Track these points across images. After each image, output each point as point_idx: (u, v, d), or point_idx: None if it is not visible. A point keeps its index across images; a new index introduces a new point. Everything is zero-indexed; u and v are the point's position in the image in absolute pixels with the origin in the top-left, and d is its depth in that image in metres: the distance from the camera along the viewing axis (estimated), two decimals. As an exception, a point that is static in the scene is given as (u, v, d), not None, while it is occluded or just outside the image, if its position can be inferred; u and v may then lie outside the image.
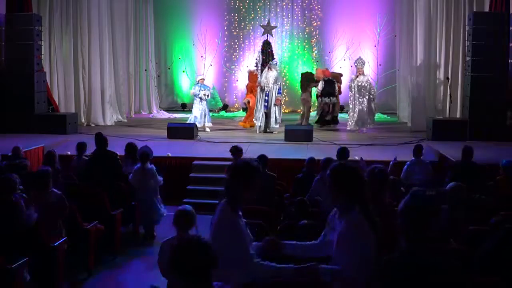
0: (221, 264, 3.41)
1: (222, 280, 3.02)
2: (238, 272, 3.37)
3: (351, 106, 13.58)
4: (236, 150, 8.14)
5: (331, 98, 14.10)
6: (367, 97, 13.38)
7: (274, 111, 13.44)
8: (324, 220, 3.73)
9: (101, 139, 8.41)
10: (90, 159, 8.48)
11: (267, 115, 13.33)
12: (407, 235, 2.74)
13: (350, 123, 13.62)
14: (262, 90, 13.29)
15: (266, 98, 13.27)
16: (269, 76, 13.35)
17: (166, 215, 7.86)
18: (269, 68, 13.55)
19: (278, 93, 13.45)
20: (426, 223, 2.72)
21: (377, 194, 4.29)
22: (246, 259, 3.38)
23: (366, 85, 13.42)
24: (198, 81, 13.76)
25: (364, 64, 13.75)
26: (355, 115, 13.44)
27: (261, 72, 13.94)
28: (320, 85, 14.06)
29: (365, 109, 13.41)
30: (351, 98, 13.55)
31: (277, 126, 13.43)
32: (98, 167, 8.07)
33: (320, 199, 6.71)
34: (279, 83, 13.57)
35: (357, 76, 13.53)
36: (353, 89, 13.46)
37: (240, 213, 3.55)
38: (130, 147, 8.90)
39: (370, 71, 17.53)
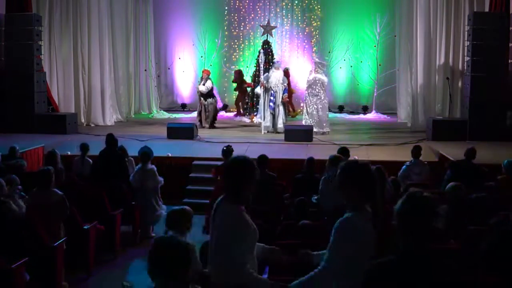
0: (215, 262, 3.42)
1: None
2: (227, 273, 3.35)
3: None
4: (228, 152, 8.15)
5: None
6: (316, 96, 12.90)
7: (282, 111, 13.42)
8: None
9: (111, 140, 8.50)
10: (99, 158, 8.52)
11: (274, 116, 13.31)
12: (404, 236, 2.69)
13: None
14: (267, 90, 13.27)
15: (273, 98, 13.24)
16: (277, 76, 13.33)
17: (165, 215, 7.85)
18: (276, 68, 13.56)
19: (284, 93, 13.44)
20: (424, 224, 2.67)
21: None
22: (239, 263, 3.35)
23: (317, 83, 12.87)
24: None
25: (319, 65, 13.15)
26: (307, 116, 13.06)
27: (263, 72, 13.88)
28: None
29: (314, 109, 12.93)
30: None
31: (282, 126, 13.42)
32: (105, 167, 8.12)
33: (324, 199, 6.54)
34: (285, 84, 13.56)
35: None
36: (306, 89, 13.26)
37: (243, 207, 3.48)
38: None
39: (370, 71, 17.55)
